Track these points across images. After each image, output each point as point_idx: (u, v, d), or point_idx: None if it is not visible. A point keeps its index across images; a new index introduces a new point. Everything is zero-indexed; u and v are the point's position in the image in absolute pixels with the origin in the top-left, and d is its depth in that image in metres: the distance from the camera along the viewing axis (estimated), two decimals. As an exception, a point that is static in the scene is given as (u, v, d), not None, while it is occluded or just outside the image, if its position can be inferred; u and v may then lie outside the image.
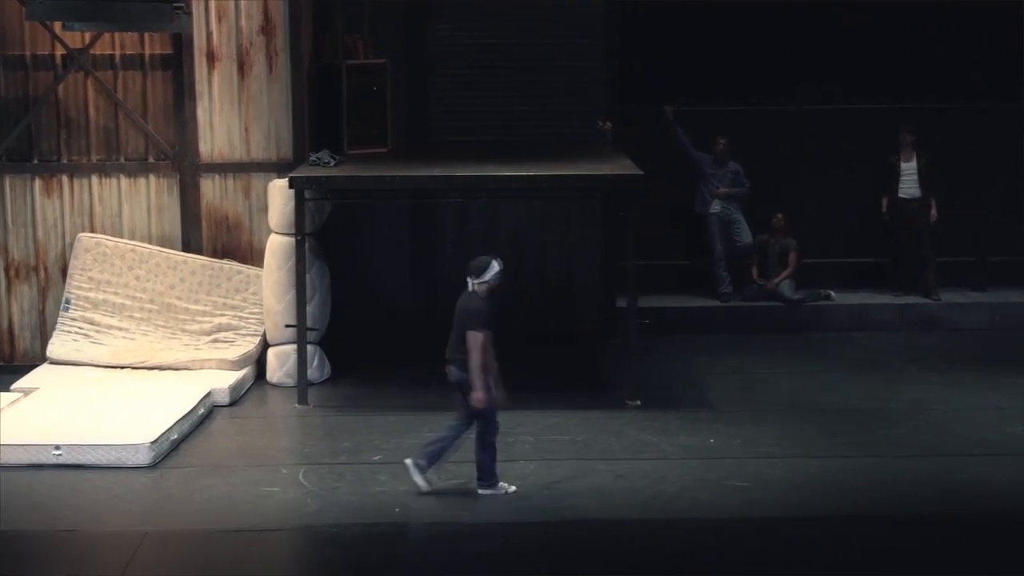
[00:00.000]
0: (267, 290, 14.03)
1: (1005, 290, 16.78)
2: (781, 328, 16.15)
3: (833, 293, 16.64)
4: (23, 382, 13.45)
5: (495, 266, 10.64)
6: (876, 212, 16.68)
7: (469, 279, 10.65)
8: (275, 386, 14.00)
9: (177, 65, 14.39)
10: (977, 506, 10.58)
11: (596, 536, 10.08)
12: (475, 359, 10.44)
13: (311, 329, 13.64)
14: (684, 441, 12.10)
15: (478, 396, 10.48)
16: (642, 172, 13.18)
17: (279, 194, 13.83)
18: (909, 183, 16.51)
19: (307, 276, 13.50)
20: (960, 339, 15.81)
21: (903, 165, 16.51)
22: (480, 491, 10.75)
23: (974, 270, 16.91)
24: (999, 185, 16.94)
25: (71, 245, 14.47)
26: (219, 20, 14.32)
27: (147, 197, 14.56)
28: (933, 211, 16.48)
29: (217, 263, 14.45)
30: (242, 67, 14.39)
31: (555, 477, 11.18)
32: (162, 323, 14.34)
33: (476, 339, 10.43)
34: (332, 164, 13.71)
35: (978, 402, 13.20)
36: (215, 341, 14.22)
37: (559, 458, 11.53)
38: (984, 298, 16.64)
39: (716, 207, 16.60)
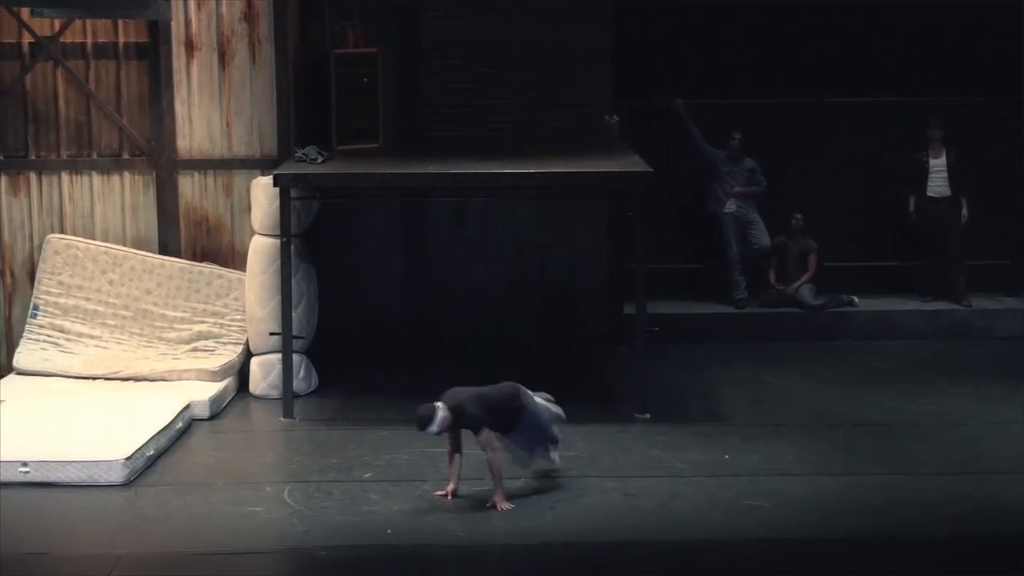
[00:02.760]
0: (250, 295, 14.04)
1: (1041, 296, 16.85)
2: (800, 336, 16.17)
3: (856, 299, 16.65)
4: (-12, 394, 13.45)
5: (440, 413, 10.79)
6: (903, 212, 16.69)
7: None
8: (259, 398, 14.01)
9: (153, 54, 14.40)
10: (1010, 528, 10.54)
11: (603, 559, 10.07)
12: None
13: (297, 337, 13.64)
14: (696, 457, 12.09)
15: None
16: (651, 169, 13.19)
17: (263, 193, 13.83)
18: (938, 181, 16.52)
19: (293, 280, 13.50)
20: (993, 348, 15.82)
21: (932, 162, 16.51)
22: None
23: (1008, 274, 16.92)
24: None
25: (39, 247, 14.46)
26: (199, 6, 14.33)
27: (121, 196, 14.57)
28: (964, 211, 16.49)
29: (196, 266, 14.46)
30: (223, 56, 14.40)
31: (559, 496, 11.17)
32: (137, 331, 14.34)
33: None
34: (320, 160, 13.71)
35: (1012, 416, 13.19)
36: (194, 350, 14.22)
37: (563, 475, 11.51)
38: (1019, 304, 16.65)
39: (731, 207, 16.60)
